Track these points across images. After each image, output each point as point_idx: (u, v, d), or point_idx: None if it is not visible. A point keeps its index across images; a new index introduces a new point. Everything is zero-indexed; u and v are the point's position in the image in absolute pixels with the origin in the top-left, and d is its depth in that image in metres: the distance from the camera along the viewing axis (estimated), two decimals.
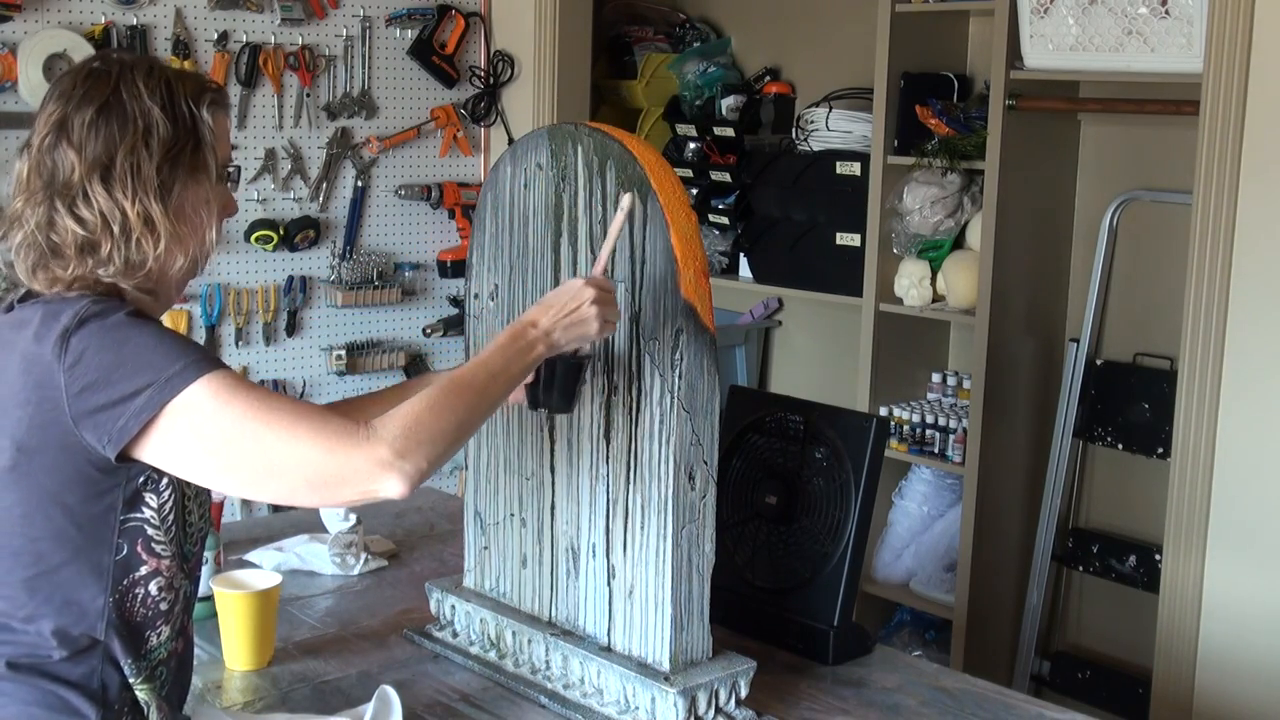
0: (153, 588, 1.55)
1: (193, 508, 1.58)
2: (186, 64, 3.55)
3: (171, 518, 1.54)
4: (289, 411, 1.45)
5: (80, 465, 1.47)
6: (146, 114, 1.52)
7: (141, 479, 1.51)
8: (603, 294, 1.67)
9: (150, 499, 1.52)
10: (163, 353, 1.45)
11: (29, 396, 1.46)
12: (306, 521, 2.58)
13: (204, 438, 1.44)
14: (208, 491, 1.60)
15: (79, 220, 1.50)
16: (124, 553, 1.52)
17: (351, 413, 1.61)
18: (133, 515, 1.52)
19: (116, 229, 1.50)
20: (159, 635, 1.57)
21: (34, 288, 1.53)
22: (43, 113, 1.54)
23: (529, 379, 1.71)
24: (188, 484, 1.55)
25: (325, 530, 2.45)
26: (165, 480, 1.52)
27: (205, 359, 1.47)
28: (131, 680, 1.55)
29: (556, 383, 1.74)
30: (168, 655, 1.60)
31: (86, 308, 1.47)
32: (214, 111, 1.58)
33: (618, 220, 1.74)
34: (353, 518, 2.44)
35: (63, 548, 1.50)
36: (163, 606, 1.57)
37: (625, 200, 1.74)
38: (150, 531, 1.53)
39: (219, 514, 2.33)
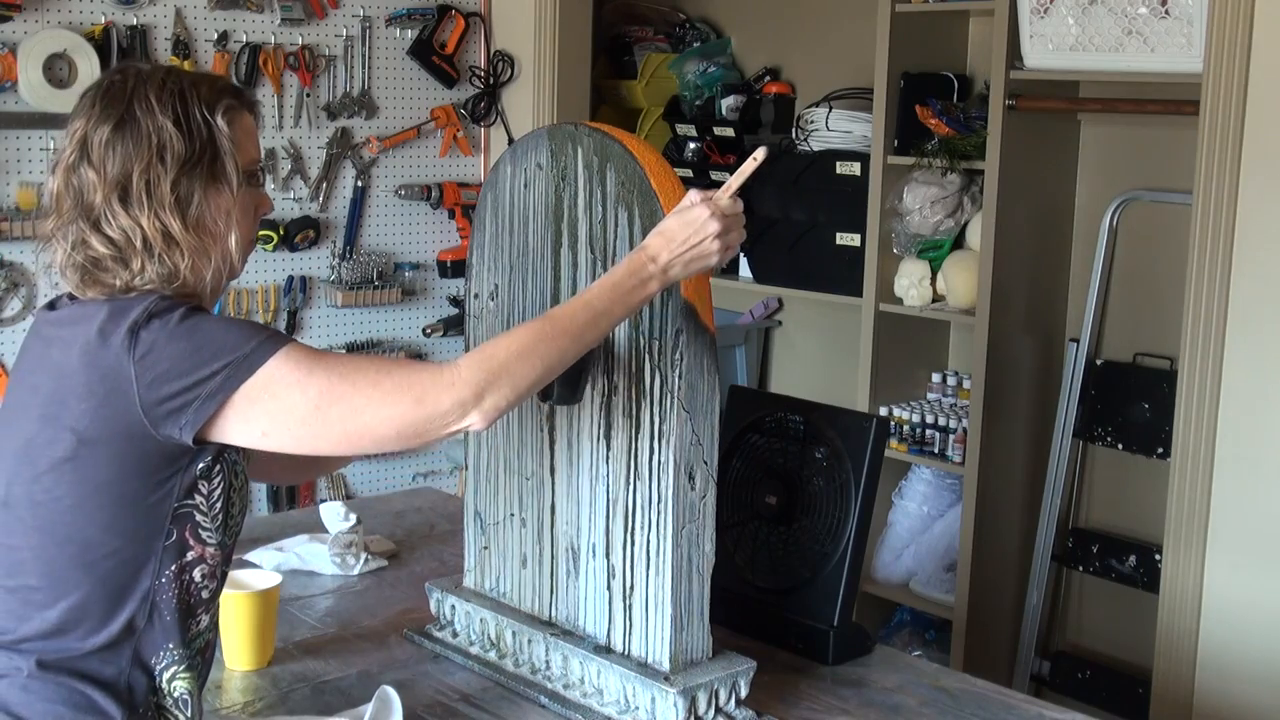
0: (197, 574, 1.57)
1: (235, 499, 1.60)
2: (187, 64, 3.55)
3: (219, 507, 1.57)
4: (371, 370, 1.50)
5: (144, 456, 1.49)
6: (160, 130, 1.53)
7: (200, 466, 1.53)
8: (729, 220, 1.63)
9: (203, 487, 1.55)
10: (235, 335, 1.49)
11: (94, 389, 1.48)
12: (306, 522, 2.58)
13: (292, 408, 1.48)
14: (248, 485, 1.63)
15: (106, 240, 1.52)
16: (174, 538, 1.54)
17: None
18: (186, 502, 1.54)
19: (139, 245, 1.52)
20: (199, 623, 1.60)
21: (94, 298, 1.55)
22: (70, 129, 1.57)
23: None
24: (235, 475, 1.58)
25: (325, 530, 2.45)
26: (217, 469, 1.55)
27: (277, 335, 1.51)
28: (166, 675, 1.56)
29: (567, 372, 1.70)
30: (205, 645, 1.62)
31: (155, 303, 1.50)
32: (232, 116, 1.58)
33: (751, 162, 1.68)
34: (353, 518, 2.44)
35: (114, 535, 1.51)
36: (205, 594, 1.59)
37: (760, 151, 1.68)
38: (199, 518, 1.55)
39: None
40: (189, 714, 1.58)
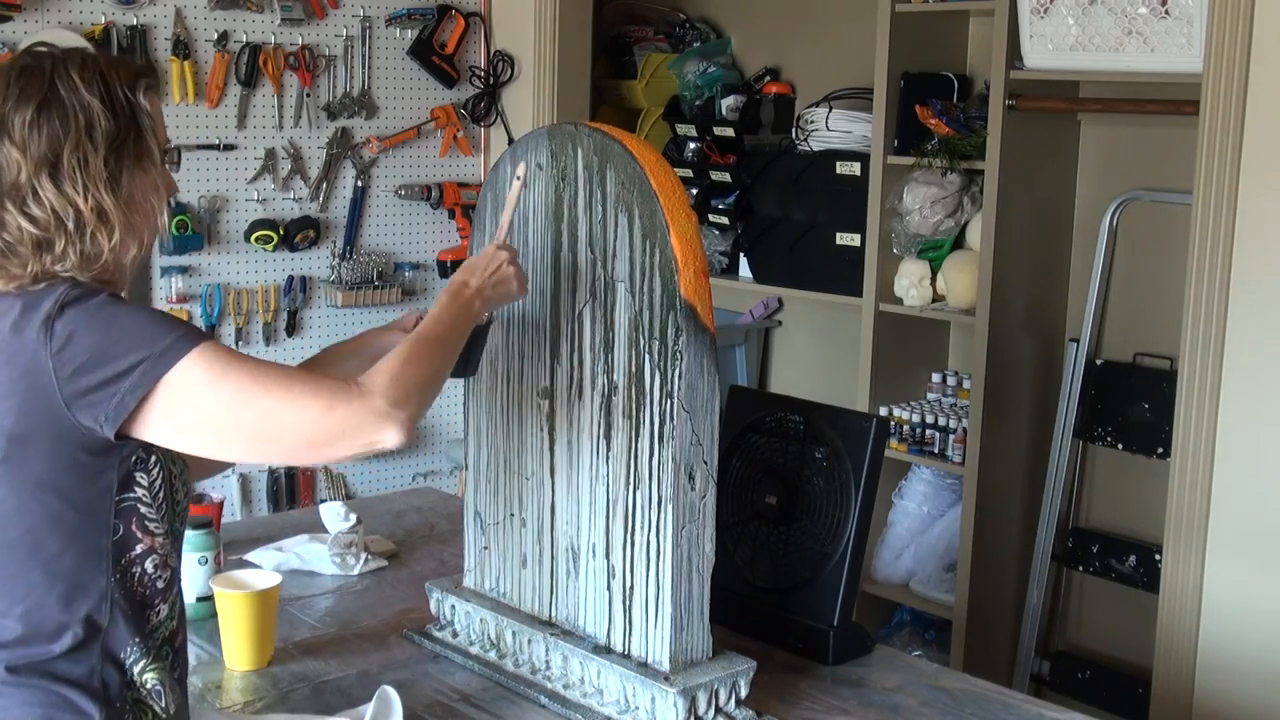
0: (149, 565, 1.56)
1: (178, 485, 1.60)
2: (186, 64, 3.55)
3: (162, 495, 1.56)
4: (283, 375, 1.51)
5: (74, 450, 1.48)
6: (87, 107, 1.53)
7: (133, 459, 1.52)
8: (513, 256, 1.79)
9: (141, 478, 1.54)
10: (151, 329, 1.48)
11: (15, 386, 1.47)
12: (306, 521, 2.58)
13: (201, 408, 1.48)
14: (188, 469, 1.62)
15: (31, 219, 1.50)
16: (120, 533, 1.53)
17: (322, 371, 1.74)
18: (127, 495, 1.53)
19: (71, 224, 1.51)
20: (158, 613, 1.59)
21: (2, 292, 1.53)
22: None
23: None
24: (173, 462, 1.57)
25: (325, 530, 2.46)
26: (153, 459, 1.54)
27: (193, 332, 1.50)
28: (137, 669, 1.55)
29: (465, 346, 1.77)
30: (170, 635, 1.61)
31: (66, 293, 1.49)
32: (150, 96, 1.60)
33: (514, 190, 1.89)
34: (353, 518, 2.44)
35: (60, 533, 1.51)
36: (159, 584, 1.58)
37: (520, 169, 1.90)
38: (143, 510, 1.54)
39: (219, 514, 2.33)
40: (163, 704, 1.57)
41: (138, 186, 1.56)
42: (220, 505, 2.37)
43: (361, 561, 2.39)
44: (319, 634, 2.13)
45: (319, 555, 2.38)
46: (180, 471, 1.60)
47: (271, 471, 3.93)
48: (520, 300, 1.86)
